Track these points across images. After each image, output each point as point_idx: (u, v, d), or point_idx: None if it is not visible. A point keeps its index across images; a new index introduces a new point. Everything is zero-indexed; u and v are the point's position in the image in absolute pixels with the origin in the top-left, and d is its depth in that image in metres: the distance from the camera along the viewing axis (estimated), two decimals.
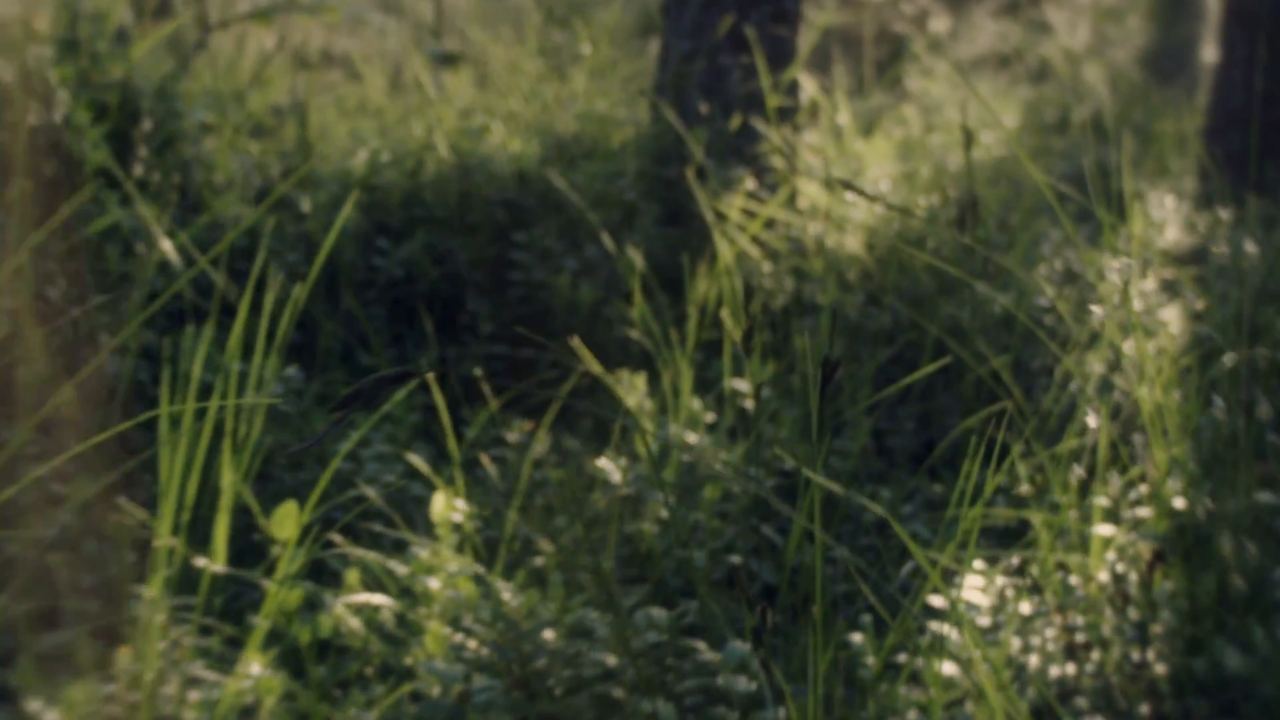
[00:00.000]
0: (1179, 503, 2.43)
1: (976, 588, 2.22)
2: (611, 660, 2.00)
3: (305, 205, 3.97)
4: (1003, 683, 1.98)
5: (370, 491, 2.57)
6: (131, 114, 3.78)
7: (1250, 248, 4.47)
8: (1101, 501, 2.37)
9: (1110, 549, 2.33)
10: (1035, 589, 2.25)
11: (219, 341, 3.34)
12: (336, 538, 2.33)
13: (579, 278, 3.93)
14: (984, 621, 2.19)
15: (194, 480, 1.79)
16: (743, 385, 3.21)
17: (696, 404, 3.11)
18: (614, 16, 7.91)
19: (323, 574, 2.71)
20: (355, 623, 2.29)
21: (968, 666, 2.09)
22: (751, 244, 4.05)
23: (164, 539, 1.76)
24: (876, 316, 3.87)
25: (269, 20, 3.92)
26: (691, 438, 3.02)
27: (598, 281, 3.90)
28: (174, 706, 1.91)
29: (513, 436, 3.12)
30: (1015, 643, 2.17)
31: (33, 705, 1.81)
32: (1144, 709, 2.10)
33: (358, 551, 2.28)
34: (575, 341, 3.38)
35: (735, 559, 2.67)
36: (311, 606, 2.46)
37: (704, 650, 2.01)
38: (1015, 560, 2.34)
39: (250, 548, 2.68)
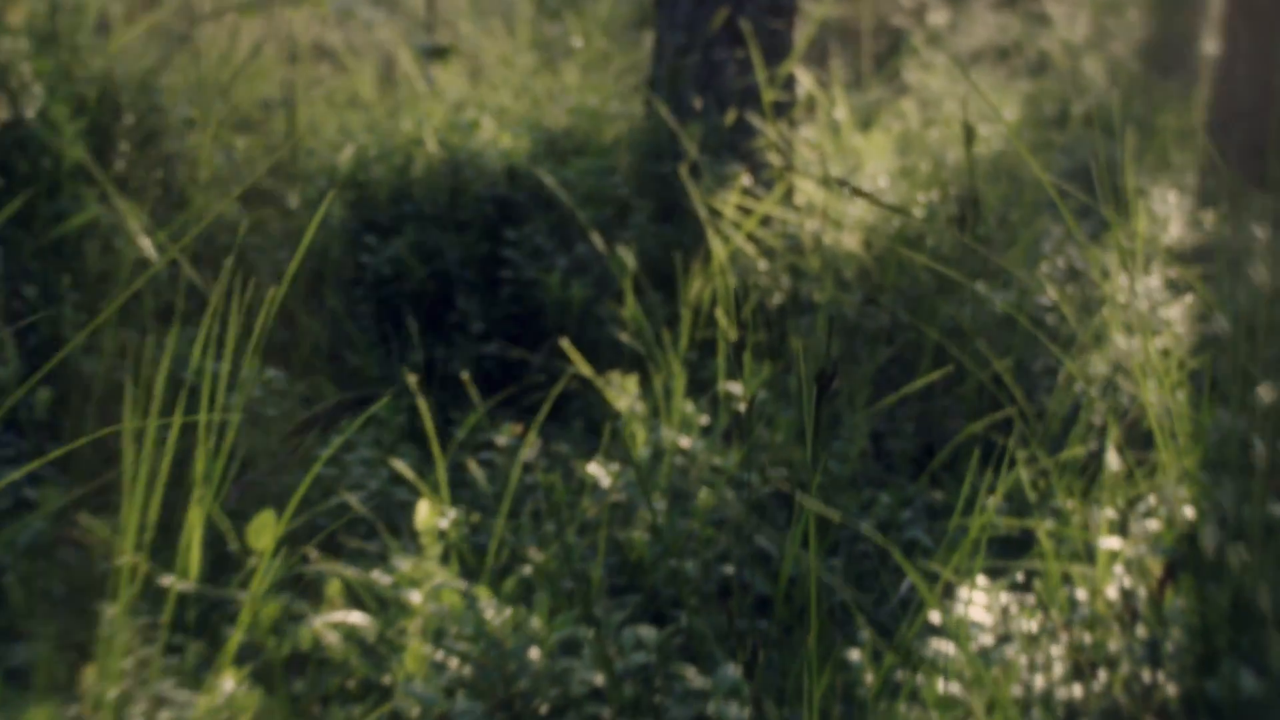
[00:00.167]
0: (1189, 512, 2.35)
1: (980, 605, 2.13)
2: (599, 680, 1.92)
3: (293, 201, 3.88)
4: (1004, 703, 1.90)
5: (353, 500, 2.48)
6: (114, 108, 3.69)
7: (1256, 245, 4.39)
8: (1108, 513, 2.29)
9: (1118, 562, 2.24)
10: (1041, 605, 2.17)
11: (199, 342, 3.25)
12: (313, 553, 2.25)
13: (570, 276, 3.84)
14: (987, 639, 2.11)
15: (158, 496, 1.71)
16: (738, 388, 3.12)
17: (690, 407, 3.03)
18: (608, 8, 7.83)
19: (303, 584, 2.62)
20: (334, 637, 2.20)
21: (970, 685, 2.01)
22: (747, 242, 3.96)
23: (127, 556, 1.67)
24: (875, 316, 3.79)
25: (254, 12, 3.83)
26: (685, 442, 2.94)
27: (590, 280, 3.82)
28: None
29: (502, 440, 3.03)
30: (1021, 661, 2.09)
31: None
32: None
33: (334, 568, 2.19)
34: (565, 343, 3.30)
35: (728, 570, 2.58)
36: (292, 618, 2.37)
37: (694, 677, 1.93)
38: (1020, 576, 2.25)
39: (229, 555, 2.60)
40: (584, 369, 3.05)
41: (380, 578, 2.41)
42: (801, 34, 4.78)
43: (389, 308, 3.79)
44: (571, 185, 3.97)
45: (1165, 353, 3.74)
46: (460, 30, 5.97)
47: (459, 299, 3.76)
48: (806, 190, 4.07)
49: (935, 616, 2.15)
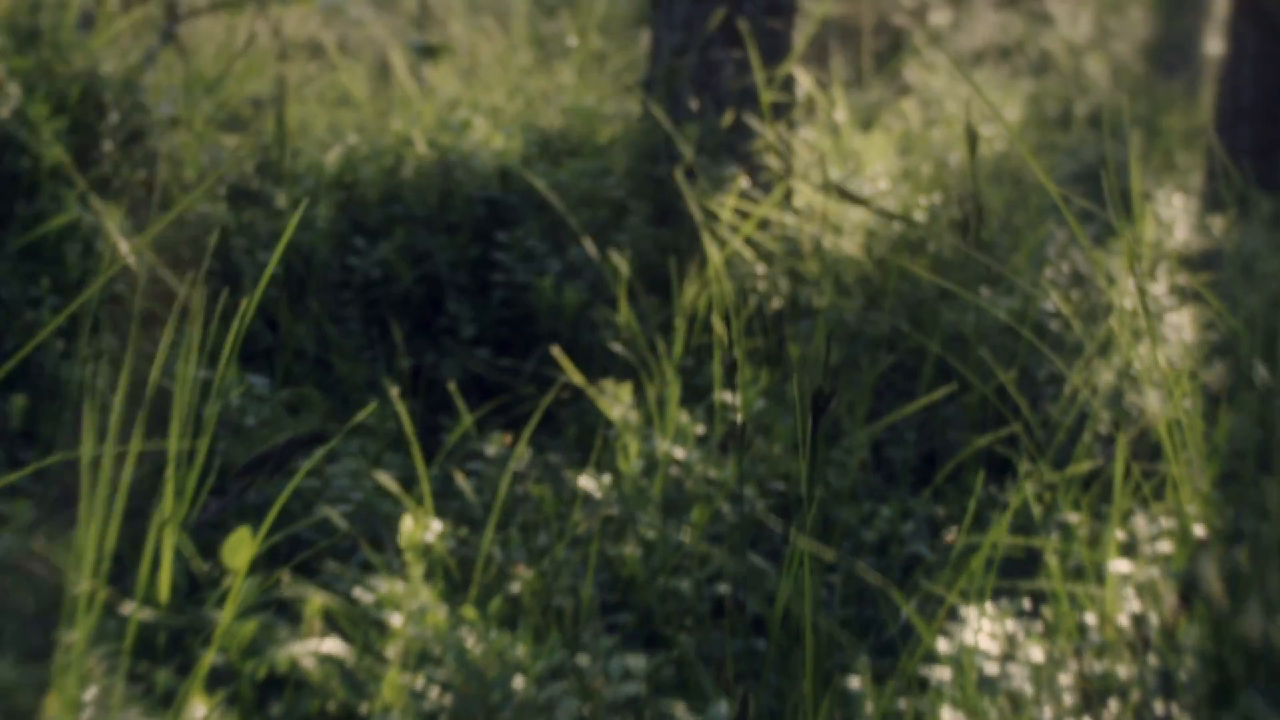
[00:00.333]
0: (1200, 530, 2.27)
1: (985, 633, 2.05)
2: (587, 710, 1.83)
3: (281, 202, 3.79)
4: None
5: (334, 515, 2.40)
6: (97, 107, 3.61)
7: (1265, 250, 4.30)
8: (1118, 535, 2.20)
9: (1128, 585, 2.16)
10: (1049, 631, 2.08)
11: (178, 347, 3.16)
12: (285, 577, 2.16)
13: (564, 280, 3.75)
14: (993, 668, 2.02)
15: (116, 519, 1.62)
16: (734, 398, 3.03)
17: (685, 417, 2.94)
18: (606, 6, 7.73)
19: (281, 602, 2.53)
20: (312, 661, 2.11)
21: (975, 716, 1.92)
22: (744, 246, 3.87)
23: (84, 582, 1.58)
24: (876, 322, 3.70)
25: (240, 9, 3.74)
26: (679, 452, 2.85)
27: (583, 283, 3.73)
28: None
29: (491, 450, 2.94)
30: (1028, 690, 2.00)
31: None
32: None
33: (309, 592, 2.11)
34: (556, 351, 3.21)
35: (723, 589, 2.49)
36: (270, 638, 2.29)
37: (683, 715, 1.84)
38: (1026, 603, 2.17)
39: (207, 572, 2.51)
40: (575, 378, 2.96)
41: (363, 595, 2.32)
42: (801, 34, 4.70)
43: (377, 312, 3.70)
44: (565, 187, 3.88)
45: (1173, 360, 3.66)
46: (453, 29, 5.87)
47: (449, 303, 3.68)
48: (806, 193, 3.98)
49: (940, 643, 2.06)
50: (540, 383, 3.64)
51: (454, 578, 2.59)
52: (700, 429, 3.00)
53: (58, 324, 2.73)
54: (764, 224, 3.99)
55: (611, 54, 6.77)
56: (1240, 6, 6.79)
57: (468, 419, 2.69)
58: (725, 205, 3.80)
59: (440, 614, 2.13)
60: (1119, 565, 2.16)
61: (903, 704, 2.04)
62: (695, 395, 3.44)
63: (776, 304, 3.89)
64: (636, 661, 1.89)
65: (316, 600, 2.25)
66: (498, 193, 3.86)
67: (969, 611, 2.20)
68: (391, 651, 2.10)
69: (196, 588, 2.40)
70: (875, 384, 3.61)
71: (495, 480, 2.91)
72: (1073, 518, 2.88)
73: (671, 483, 2.83)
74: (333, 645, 2.01)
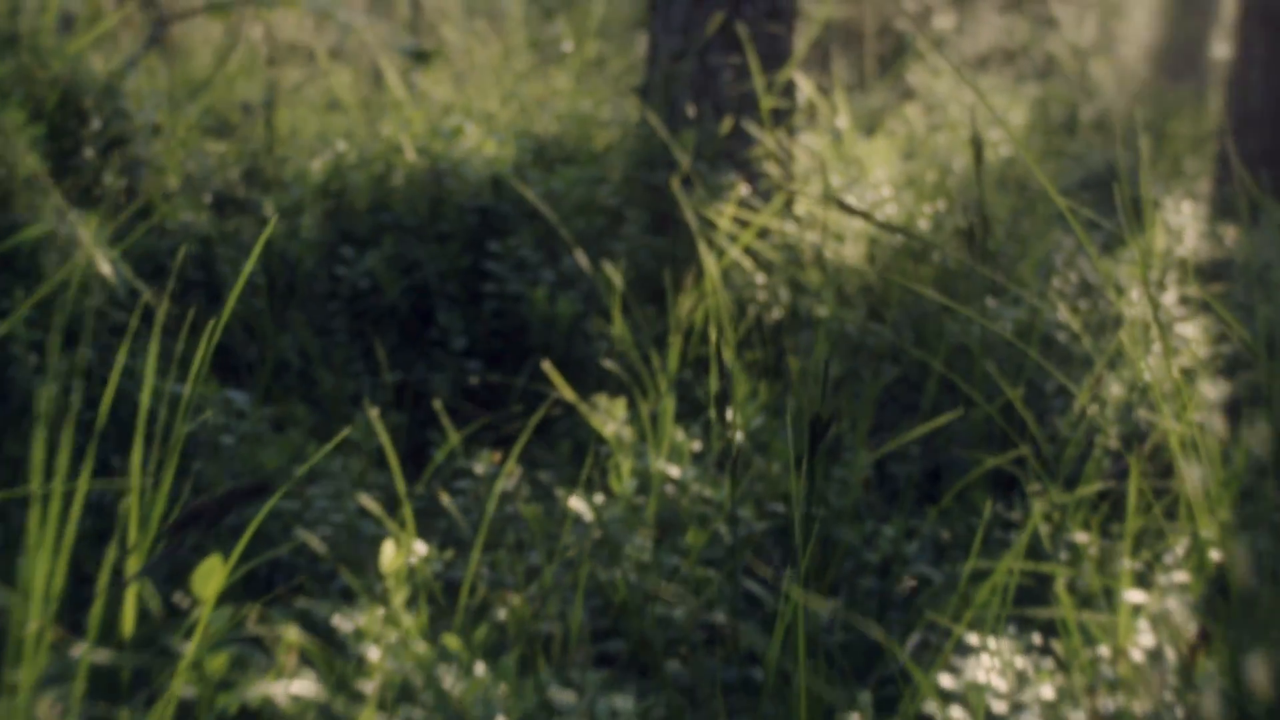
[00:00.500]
0: (1217, 555, 2.16)
1: (994, 669, 1.94)
2: None
3: (268, 210, 3.69)
4: None
5: (312, 540, 2.29)
6: (78, 113, 3.51)
7: (1277, 259, 4.20)
8: (1131, 564, 2.10)
9: (1142, 617, 2.05)
10: (1060, 666, 1.98)
11: (160, 360, 3.06)
12: (254, 615, 2.06)
13: (558, 290, 3.65)
14: (1001, 707, 1.92)
15: (64, 557, 1.52)
16: (731, 414, 2.93)
17: (680, 434, 2.83)
18: (605, 9, 7.63)
19: (258, 630, 2.43)
20: (285, 699, 2.01)
21: None
22: (743, 255, 3.77)
23: (33, 623, 1.48)
24: (878, 333, 3.60)
25: (226, 14, 3.64)
26: (674, 471, 2.75)
27: (578, 294, 3.63)
28: None
29: (480, 468, 2.84)
30: None
31: None
32: None
33: (284, 625, 2.00)
34: (548, 366, 3.11)
35: (719, 617, 2.39)
36: (244, 667, 2.18)
37: None
38: (1036, 637, 2.06)
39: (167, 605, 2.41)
40: (567, 393, 2.86)
41: (342, 623, 2.22)
42: (802, 38, 4.59)
43: (366, 323, 3.60)
44: (559, 195, 3.78)
45: (1187, 373, 3.55)
46: (448, 33, 5.77)
47: (440, 314, 3.57)
48: (807, 200, 3.88)
49: (946, 680, 1.96)
50: (533, 396, 3.54)
51: (439, 602, 2.49)
52: (697, 445, 2.90)
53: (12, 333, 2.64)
54: (764, 232, 3.89)
55: (610, 58, 6.67)
56: (1248, 10, 6.69)
57: (454, 438, 2.59)
58: (724, 213, 3.70)
59: (420, 647, 2.02)
60: (1133, 595, 2.06)
61: None
62: (693, 409, 3.34)
63: (776, 315, 3.78)
64: (625, 702, 1.79)
65: (292, 633, 2.15)
66: (490, 201, 3.76)
67: (977, 640, 2.10)
68: (369, 688, 2.00)
69: (172, 616, 2.30)
70: (878, 397, 3.51)
71: (484, 500, 2.81)
72: (1082, 538, 2.78)
73: (666, 502, 2.73)
74: (307, 684, 1.90)
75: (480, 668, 2.04)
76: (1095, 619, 2.25)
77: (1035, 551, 2.80)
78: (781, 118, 4.33)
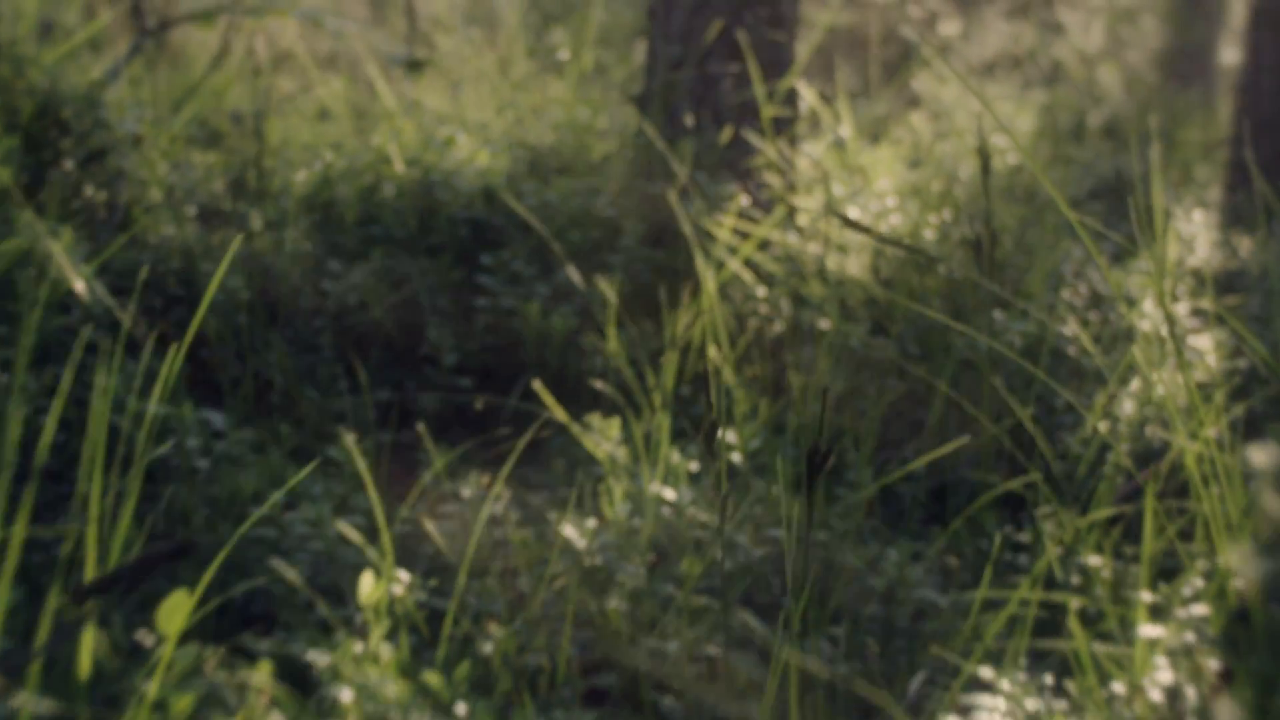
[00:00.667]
0: (1237, 584, 2.05)
1: (1006, 713, 1.83)
2: None
3: (256, 222, 3.59)
4: None
5: (288, 572, 2.19)
6: (59, 124, 3.41)
7: None
8: (1147, 597, 1.99)
9: (1160, 650, 1.94)
10: (1074, 707, 1.87)
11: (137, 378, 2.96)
12: (213, 660, 1.95)
13: (552, 304, 3.54)
14: None
15: (2, 598, 1.41)
16: (729, 436, 2.82)
17: (677, 455, 2.72)
18: (608, 17, 7.53)
19: (231, 664, 2.32)
20: None
21: None
22: (744, 267, 3.67)
23: None
24: (883, 347, 3.49)
25: (211, 23, 3.54)
26: (669, 493, 2.64)
27: (573, 308, 3.52)
28: None
29: (467, 491, 2.73)
30: None
31: None
32: None
33: (254, 666, 1.90)
34: (538, 385, 3.00)
35: (714, 650, 2.28)
36: (211, 707, 2.08)
37: None
38: (1049, 678, 1.95)
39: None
40: (559, 414, 2.75)
41: (317, 658, 2.12)
42: (804, 45, 4.49)
43: (353, 339, 3.50)
44: (554, 207, 3.67)
45: (1201, 388, 3.44)
46: (445, 42, 5.67)
47: (430, 329, 3.47)
48: (809, 211, 3.78)
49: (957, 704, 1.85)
50: (526, 415, 3.43)
51: (423, 633, 2.38)
52: (694, 465, 2.80)
53: None
54: (765, 244, 3.78)
55: (612, 66, 6.56)
56: (1258, 15, 6.58)
57: (439, 462, 2.48)
58: (723, 225, 3.59)
59: (394, 688, 1.92)
60: (1150, 630, 1.95)
61: None
62: (692, 426, 3.23)
63: (777, 328, 3.68)
64: None
65: (263, 672, 2.04)
66: (482, 213, 3.65)
67: (988, 675, 2.00)
68: None
69: (136, 655, 2.20)
70: (883, 413, 3.40)
71: (471, 524, 2.70)
72: (1095, 561, 2.67)
73: (662, 526, 2.62)
74: None
75: (461, 708, 1.94)
76: (1110, 651, 2.14)
77: (1047, 576, 2.69)
78: (783, 126, 4.22)
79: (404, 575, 2.38)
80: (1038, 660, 2.44)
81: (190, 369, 3.21)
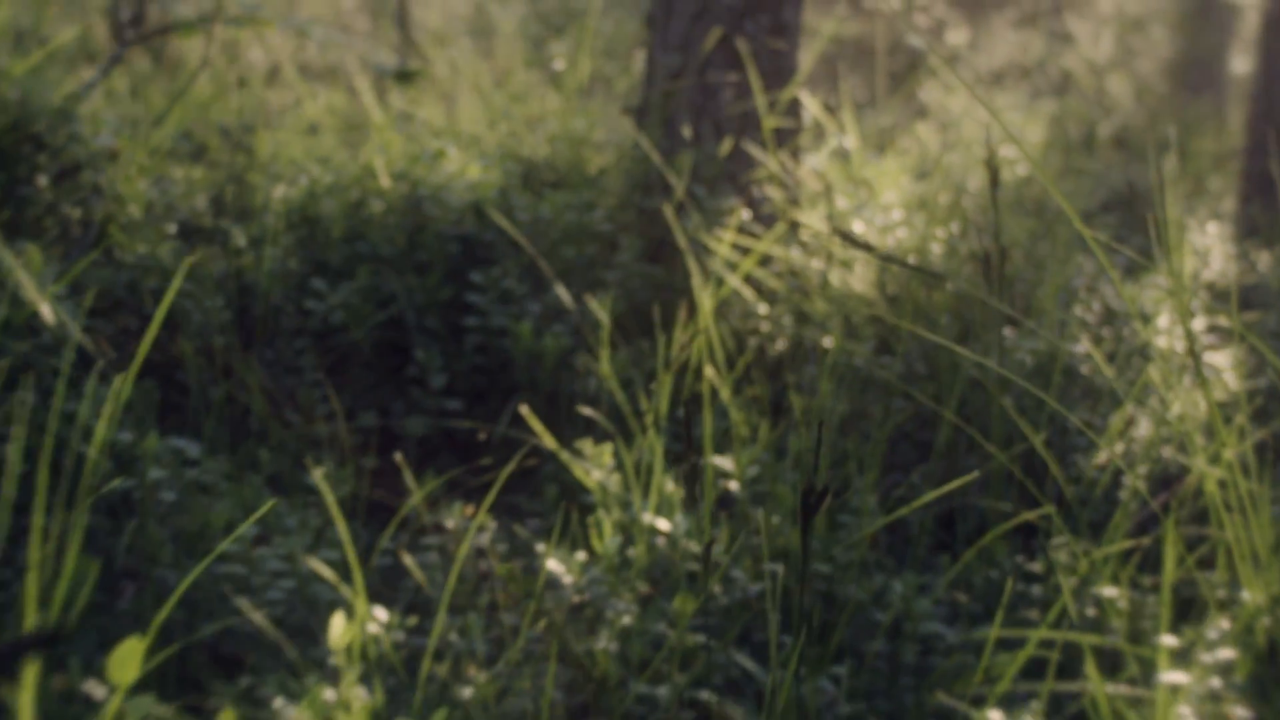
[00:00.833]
0: (1265, 624, 1.93)
1: None
2: None
3: (239, 239, 3.47)
4: None
5: (256, 615, 2.06)
6: (32, 138, 3.29)
7: None
8: (1169, 640, 1.86)
9: (1182, 698, 1.81)
10: None
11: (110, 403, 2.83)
12: (164, 713, 1.82)
13: (544, 324, 3.41)
14: None
15: None
16: (726, 463, 2.69)
17: (671, 483, 2.59)
18: (612, 27, 7.41)
19: (197, 708, 2.20)
20: None
21: None
22: (744, 284, 3.54)
23: None
24: (888, 366, 3.36)
25: (193, 32, 3.42)
26: (663, 524, 2.51)
27: (566, 328, 3.39)
28: None
29: (451, 522, 2.60)
30: None
31: None
32: None
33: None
34: (526, 411, 2.88)
35: (708, 696, 2.15)
36: None
37: None
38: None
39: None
40: (548, 440, 2.62)
41: (283, 707, 1.99)
42: (808, 54, 4.36)
43: (337, 360, 3.37)
44: (548, 222, 3.54)
45: (1222, 409, 3.30)
46: (434, 53, 5.55)
47: (417, 350, 3.34)
48: (812, 225, 3.64)
49: None
50: (517, 440, 3.31)
51: (400, 676, 2.25)
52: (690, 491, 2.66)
53: None
54: (766, 260, 3.65)
55: (615, 77, 6.44)
56: (1271, 23, 6.45)
57: (418, 494, 2.36)
58: (723, 240, 3.46)
59: None
60: (1172, 676, 1.82)
61: None
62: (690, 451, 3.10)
63: (779, 347, 3.55)
64: None
65: (229, 708, 1.91)
66: (473, 228, 3.52)
67: None
68: None
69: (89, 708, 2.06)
70: (889, 435, 3.27)
71: (453, 557, 2.57)
72: (1111, 592, 2.54)
73: (655, 559, 2.49)
74: None
75: None
76: (1129, 694, 2.01)
77: (1060, 608, 2.56)
78: (786, 138, 4.09)
79: (381, 614, 2.25)
80: (1052, 704, 2.30)
81: (165, 393, 3.09)
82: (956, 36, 10.06)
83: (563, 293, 3.05)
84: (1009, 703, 2.26)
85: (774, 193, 3.87)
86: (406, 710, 2.13)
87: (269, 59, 5.54)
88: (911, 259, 3.69)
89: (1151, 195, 5.99)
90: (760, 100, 3.92)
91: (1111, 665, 2.44)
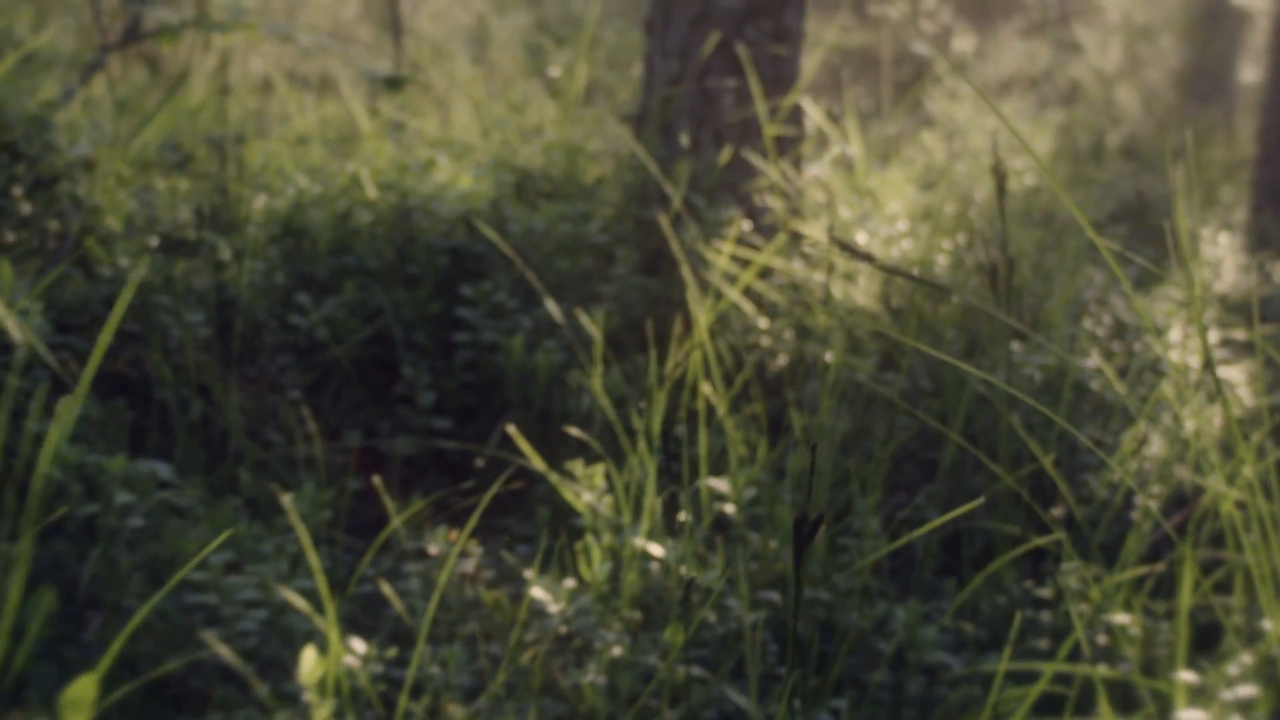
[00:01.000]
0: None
1: None
2: None
3: (224, 252, 3.36)
4: None
5: (223, 648, 1.95)
6: (8, 148, 3.19)
7: None
8: (1186, 676, 1.75)
9: None
10: None
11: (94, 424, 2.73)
12: None
13: (537, 339, 3.31)
14: None
15: None
16: (722, 485, 2.58)
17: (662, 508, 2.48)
18: (615, 36, 7.31)
19: None
20: None
21: None
22: (743, 297, 3.43)
23: None
24: (892, 382, 3.25)
25: (175, 38, 3.32)
26: (656, 549, 2.40)
27: (559, 343, 3.28)
28: None
29: (434, 547, 2.49)
30: None
31: None
32: None
33: None
34: (513, 431, 2.77)
35: None
36: None
37: None
38: None
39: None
40: (537, 462, 2.51)
41: None
42: (810, 60, 4.25)
43: (322, 377, 3.26)
44: (542, 234, 3.44)
45: (1239, 426, 3.19)
46: (427, 61, 5.45)
47: (406, 366, 3.23)
48: (814, 237, 3.54)
49: None
50: (507, 459, 3.20)
51: (377, 711, 2.14)
52: (683, 516, 2.55)
53: None
54: (766, 272, 3.54)
55: (617, 87, 6.34)
56: (1279, 34, 6.35)
57: (397, 519, 2.25)
58: (722, 251, 3.36)
59: None
60: (1191, 716, 1.71)
61: None
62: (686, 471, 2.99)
63: (780, 362, 3.44)
64: None
65: None
66: (463, 240, 3.42)
67: None
68: None
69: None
70: (892, 454, 3.16)
71: (435, 584, 2.46)
72: (1123, 619, 2.43)
73: (647, 585, 2.37)
74: None
75: None
76: None
77: (1069, 630, 2.45)
78: (787, 146, 3.98)
79: (359, 645, 2.15)
80: None
81: (143, 414, 2.98)
82: (963, 45, 9.96)
83: (552, 307, 2.94)
84: None
85: (775, 203, 3.77)
86: None
87: (266, 68, 5.44)
88: (916, 271, 3.58)
89: (1161, 206, 5.88)
90: (761, 107, 3.81)
91: (1124, 699, 2.33)
